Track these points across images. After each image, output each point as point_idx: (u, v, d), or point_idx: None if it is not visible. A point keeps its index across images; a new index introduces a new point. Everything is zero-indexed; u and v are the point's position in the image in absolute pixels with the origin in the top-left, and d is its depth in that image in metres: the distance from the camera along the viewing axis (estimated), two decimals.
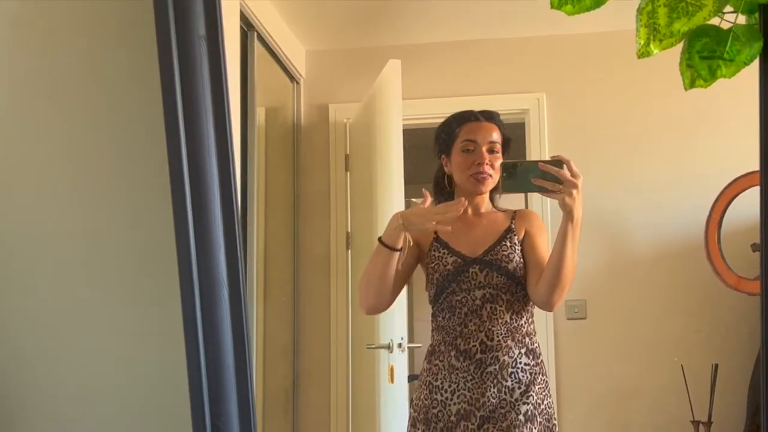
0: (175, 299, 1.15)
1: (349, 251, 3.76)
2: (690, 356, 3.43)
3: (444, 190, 2.12)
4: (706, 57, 0.94)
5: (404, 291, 2.12)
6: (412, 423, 2.02)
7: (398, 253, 1.90)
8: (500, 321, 1.96)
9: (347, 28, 3.73)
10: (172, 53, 1.15)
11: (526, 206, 3.68)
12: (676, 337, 3.54)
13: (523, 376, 1.94)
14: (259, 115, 3.45)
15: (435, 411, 1.96)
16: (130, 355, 1.26)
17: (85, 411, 1.27)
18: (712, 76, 0.95)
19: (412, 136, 3.46)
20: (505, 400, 1.92)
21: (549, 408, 1.98)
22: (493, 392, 1.92)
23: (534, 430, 1.91)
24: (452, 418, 1.93)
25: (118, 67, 1.32)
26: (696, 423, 3.27)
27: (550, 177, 1.74)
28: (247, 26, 3.23)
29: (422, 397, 2.00)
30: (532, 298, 1.97)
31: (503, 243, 2.00)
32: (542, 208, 3.50)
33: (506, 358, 1.94)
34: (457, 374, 1.95)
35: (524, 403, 1.92)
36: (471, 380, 1.94)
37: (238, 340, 1.15)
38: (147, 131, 1.26)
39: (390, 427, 3.13)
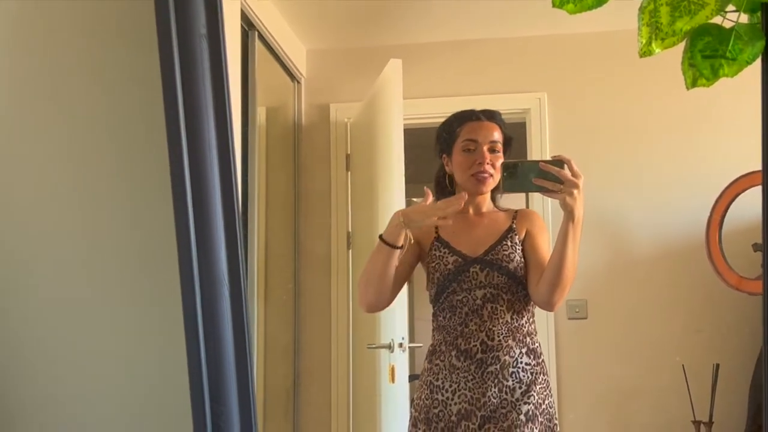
0: (175, 298, 1.15)
1: (350, 251, 3.76)
2: (691, 356, 3.43)
3: (445, 190, 2.12)
4: (708, 56, 0.93)
5: (405, 290, 2.12)
6: (413, 423, 2.01)
7: (399, 250, 1.91)
8: (501, 321, 1.96)
9: (348, 28, 3.73)
10: (173, 52, 1.15)
11: (527, 206, 3.68)
12: (677, 337, 3.54)
13: (524, 376, 1.94)
14: (260, 114, 3.45)
15: (436, 411, 1.96)
16: (131, 354, 1.26)
17: (85, 410, 1.27)
18: (715, 75, 0.95)
19: (413, 136, 3.46)
20: (506, 399, 1.91)
21: (550, 408, 1.97)
22: (494, 392, 1.92)
23: (535, 429, 1.90)
24: (453, 417, 1.93)
25: (118, 66, 1.32)
26: (697, 423, 3.27)
27: (551, 177, 1.74)
28: (248, 25, 3.23)
29: (423, 396, 2.00)
30: (533, 298, 1.97)
31: (504, 242, 1.99)
32: (543, 207, 3.50)
33: (507, 357, 1.94)
34: (458, 374, 1.95)
35: (525, 403, 1.91)
36: (472, 380, 1.94)
37: (239, 339, 1.15)
38: (148, 130, 1.25)
39: (391, 426, 3.13)
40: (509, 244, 1.99)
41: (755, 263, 3.28)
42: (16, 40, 1.35)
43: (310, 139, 3.91)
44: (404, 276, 2.03)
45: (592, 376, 3.59)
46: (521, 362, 1.95)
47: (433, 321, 2.06)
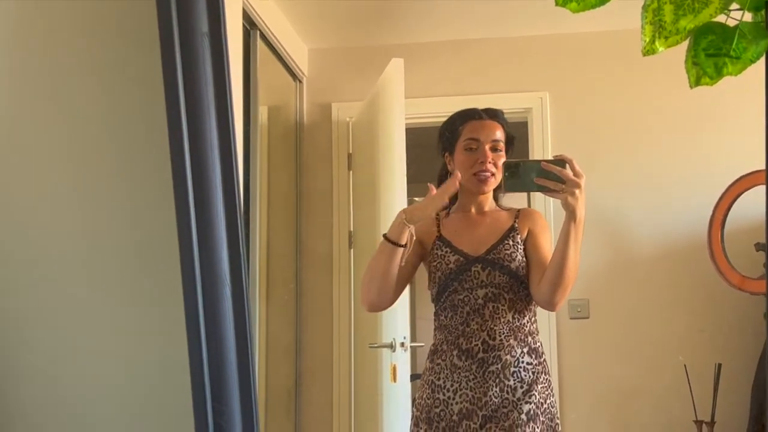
0: (177, 297, 1.14)
1: (352, 250, 3.76)
2: (693, 356, 3.43)
3: None
4: (712, 54, 0.93)
5: (406, 289, 2.11)
6: (415, 422, 2.01)
7: (402, 249, 1.91)
8: (502, 320, 1.95)
9: (350, 27, 3.73)
10: (175, 50, 1.15)
11: (529, 206, 3.68)
12: (679, 337, 3.54)
13: (525, 376, 1.94)
14: (262, 113, 3.45)
15: (437, 410, 1.96)
16: (133, 353, 1.26)
17: (86, 411, 1.26)
18: (718, 73, 0.94)
19: (414, 135, 3.46)
20: (507, 399, 1.91)
21: (552, 407, 1.97)
22: (496, 391, 1.91)
23: (536, 429, 1.90)
24: (454, 417, 1.93)
25: (119, 65, 1.31)
26: (699, 423, 3.27)
27: (552, 176, 1.74)
28: (250, 25, 3.23)
29: (425, 396, 2.00)
30: (535, 298, 1.97)
31: (506, 242, 1.99)
32: (545, 207, 3.49)
33: (508, 357, 1.94)
34: (460, 373, 1.95)
35: (527, 403, 1.91)
36: (473, 379, 1.93)
37: (241, 338, 1.15)
38: (149, 129, 1.25)
39: (392, 426, 3.13)
40: (511, 243, 1.99)
41: (757, 263, 3.27)
42: (16, 40, 1.35)
43: (311, 139, 3.91)
44: (407, 276, 2.03)
45: (594, 375, 3.59)
46: (523, 362, 1.95)
47: (434, 320, 2.06)
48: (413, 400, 2.13)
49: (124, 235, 1.29)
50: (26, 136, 1.33)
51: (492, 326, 1.95)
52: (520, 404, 1.91)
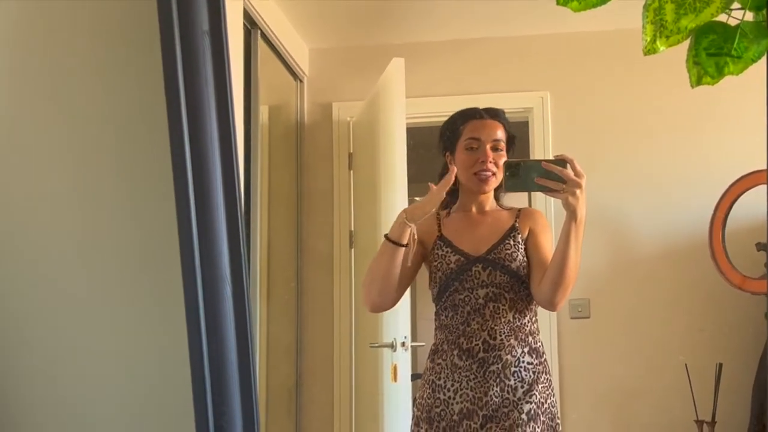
0: (178, 297, 1.14)
1: (352, 250, 3.76)
2: (694, 355, 3.42)
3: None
4: (713, 54, 0.93)
5: (407, 289, 2.11)
6: (416, 422, 2.01)
7: (403, 249, 1.91)
8: (503, 320, 1.95)
9: (351, 26, 3.73)
10: (176, 48, 1.15)
11: (530, 205, 3.67)
12: (680, 337, 3.54)
13: (526, 375, 1.93)
14: (263, 113, 3.45)
15: (438, 410, 1.95)
16: (133, 353, 1.26)
17: (86, 411, 1.26)
18: (719, 73, 0.94)
19: (415, 135, 3.46)
20: (508, 399, 1.91)
21: (552, 407, 1.97)
22: (496, 391, 1.91)
23: (537, 429, 1.90)
24: (455, 417, 1.93)
25: (120, 64, 1.31)
26: (700, 422, 3.27)
27: (553, 176, 1.74)
28: (251, 24, 3.23)
29: (425, 396, 2.00)
30: (536, 298, 1.97)
31: (507, 241, 1.99)
32: (546, 206, 3.49)
33: (509, 357, 1.93)
34: (460, 373, 1.95)
35: (527, 402, 1.91)
36: (474, 379, 1.93)
37: (242, 338, 1.15)
38: (150, 128, 1.25)
39: (393, 425, 3.13)
40: (512, 243, 1.99)
41: (758, 262, 3.27)
42: (16, 40, 1.34)
43: (312, 138, 3.91)
44: (409, 276, 2.03)
45: (595, 375, 3.59)
46: (523, 361, 1.94)
47: (435, 320, 2.06)
48: (414, 400, 2.12)
49: (125, 234, 1.29)
50: (26, 136, 1.33)
51: (493, 326, 1.95)
52: (521, 404, 1.91)
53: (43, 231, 1.31)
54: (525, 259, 1.99)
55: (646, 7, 0.95)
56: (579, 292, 3.45)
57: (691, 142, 3.62)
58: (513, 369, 1.93)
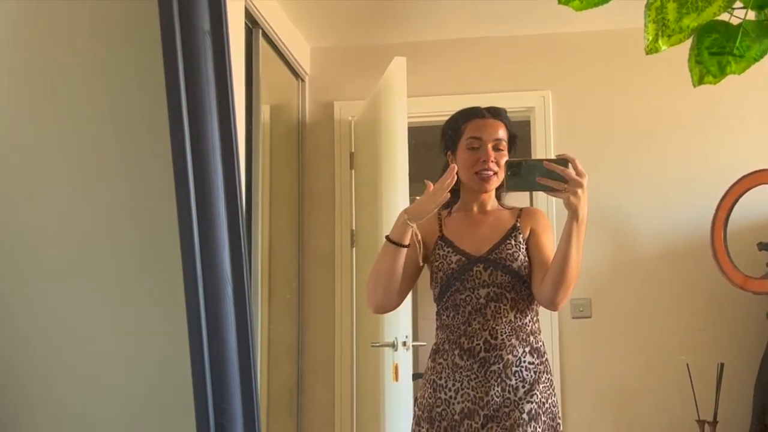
0: (178, 296, 1.14)
1: (354, 249, 3.76)
2: (695, 355, 3.42)
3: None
4: (715, 53, 0.93)
5: None
6: (417, 421, 2.01)
7: (405, 249, 1.91)
8: (504, 320, 1.95)
9: (352, 25, 3.73)
10: (177, 48, 1.15)
11: (532, 205, 3.67)
12: (682, 336, 3.53)
13: (527, 375, 1.93)
14: (264, 112, 3.45)
15: (439, 410, 1.95)
16: (134, 353, 1.26)
17: (87, 410, 1.26)
18: (722, 72, 0.94)
19: (417, 134, 3.46)
20: (509, 399, 1.91)
21: (553, 407, 1.97)
22: (497, 391, 1.91)
23: (538, 429, 1.90)
24: (456, 416, 1.92)
25: (120, 64, 1.31)
26: (701, 422, 3.26)
27: (555, 176, 1.73)
28: (252, 23, 3.22)
29: (426, 395, 2.00)
30: (537, 298, 1.96)
31: (508, 241, 1.99)
32: (548, 206, 3.49)
33: (510, 356, 1.93)
34: (461, 373, 1.94)
35: (528, 402, 1.91)
36: (475, 379, 1.93)
37: (243, 338, 1.15)
38: (151, 127, 1.25)
39: (394, 425, 3.13)
40: (513, 242, 1.99)
41: (760, 262, 3.27)
42: (16, 40, 1.34)
43: (313, 137, 3.91)
44: (412, 277, 2.03)
45: (596, 375, 3.59)
46: (524, 361, 1.94)
47: (436, 320, 2.06)
48: (415, 400, 2.12)
49: (125, 234, 1.28)
50: (26, 136, 1.33)
51: (494, 326, 1.95)
52: (522, 404, 1.90)
53: (43, 231, 1.30)
54: (526, 258, 1.98)
55: (648, 6, 0.95)
56: (580, 292, 3.45)
57: (693, 141, 3.62)
58: (514, 369, 1.93)
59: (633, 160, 3.65)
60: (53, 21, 1.34)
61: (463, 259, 1.99)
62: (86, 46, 1.33)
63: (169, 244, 1.18)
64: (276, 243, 3.64)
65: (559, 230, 1.88)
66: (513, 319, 1.96)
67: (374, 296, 1.99)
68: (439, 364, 1.99)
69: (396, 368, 3.05)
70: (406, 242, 1.90)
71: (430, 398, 1.98)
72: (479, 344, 1.94)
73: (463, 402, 1.93)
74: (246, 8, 3.04)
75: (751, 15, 0.96)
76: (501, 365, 1.93)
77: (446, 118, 2.14)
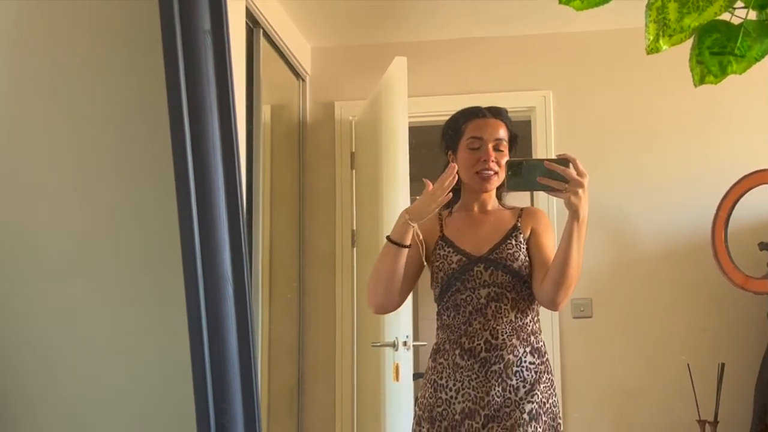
0: (179, 296, 1.14)
1: (355, 249, 3.76)
2: (696, 355, 3.42)
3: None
4: (716, 53, 0.93)
5: None
6: (417, 421, 2.01)
7: (406, 249, 1.91)
8: (505, 319, 1.95)
9: (353, 25, 3.73)
10: (177, 48, 1.15)
11: (532, 205, 3.67)
12: (682, 336, 3.53)
13: (528, 375, 1.93)
14: (265, 112, 3.45)
15: (440, 409, 1.95)
16: (135, 353, 1.26)
17: (87, 411, 1.26)
18: (723, 72, 0.94)
19: (417, 134, 3.46)
20: (509, 398, 1.91)
21: (554, 407, 1.97)
22: (498, 391, 1.91)
23: (539, 428, 1.90)
24: (457, 416, 1.92)
25: (121, 63, 1.31)
26: (702, 422, 3.26)
27: (555, 176, 1.73)
28: (253, 23, 3.22)
29: (427, 395, 1.99)
30: (538, 297, 1.96)
31: (508, 241, 1.99)
32: (548, 206, 3.49)
33: (511, 356, 1.93)
34: (462, 373, 1.94)
35: (529, 402, 1.91)
36: (475, 379, 1.93)
37: (243, 338, 1.15)
38: (151, 127, 1.25)
39: (395, 425, 3.13)
40: (514, 242, 1.98)
41: (761, 262, 3.26)
42: (16, 40, 1.34)
43: (314, 137, 3.91)
44: (413, 277, 2.03)
45: (597, 375, 3.58)
46: (525, 361, 1.94)
47: (437, 320, 2.06)
48: (416, 399, 2.12)
49: (126, 234, 1.28)
50: (26, 136, 1.33)
51: (495, 326, 1.94)
52: (523, 404, 1.90)
53: (43, 231, 1.30)
54: (527, 258, 1.98)
55: (649, 6, 0.95)
56: (581, 292, 3.45)
57: (694, 141, 3.61)
58: (515, 369, 1.93)
59: (634, 159, 3.65)
60: (53, 21, 1.34)
61: (464, 259, 1.99)
62: (86, 46, 1.33)
63: (169, 244, 1.17)
64: (277, 243, 3.64)
65: (559, 230, 1.87)
66: (514, 319, 1.96)
67: (375, 296, 1.99)
68: (440, 364, 1.99)
69: (397, 368, 3.05)
70: (407, 242, 1.90)
71: (430, 398, 1.98)
72: (480, 344, 1.94)
73: (463, 402, 1.93)
74: (247, 8, 3.04)
75: (753, 15, 0.96)
76: (502, 365, 1.93)
77: (447, 117, 2.14)
